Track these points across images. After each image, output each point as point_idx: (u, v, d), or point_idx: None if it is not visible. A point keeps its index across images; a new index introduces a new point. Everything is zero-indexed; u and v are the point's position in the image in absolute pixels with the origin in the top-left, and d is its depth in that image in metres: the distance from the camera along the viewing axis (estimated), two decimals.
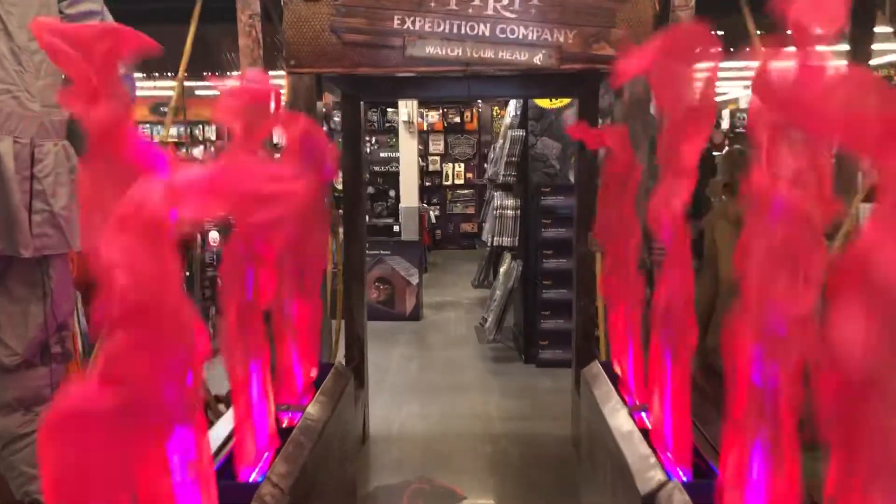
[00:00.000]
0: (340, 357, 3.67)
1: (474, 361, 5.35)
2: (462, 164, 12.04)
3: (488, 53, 2.57)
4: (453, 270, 9.75)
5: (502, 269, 5.74)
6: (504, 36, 2.54)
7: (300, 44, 2.54)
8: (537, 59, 2.59)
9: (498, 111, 11.79)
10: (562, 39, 2.58)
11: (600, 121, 3.80)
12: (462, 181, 12.04)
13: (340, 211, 3.54)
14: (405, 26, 2.52)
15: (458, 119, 11.87)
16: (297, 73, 2.60)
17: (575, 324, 3.84)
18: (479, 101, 11.86)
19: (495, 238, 5.32)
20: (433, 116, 11.82)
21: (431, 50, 2.54)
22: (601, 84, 3.45)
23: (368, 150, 11.29)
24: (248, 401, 1.86)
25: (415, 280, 6.69)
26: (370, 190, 10.68)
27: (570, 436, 3.99)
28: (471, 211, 12.01)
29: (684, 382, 1.85)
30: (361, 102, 3.69)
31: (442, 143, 11.98)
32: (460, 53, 2.54)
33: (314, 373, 2.44)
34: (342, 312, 3.38)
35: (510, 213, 5.32)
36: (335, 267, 3.22)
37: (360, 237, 3.69)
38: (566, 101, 5.30)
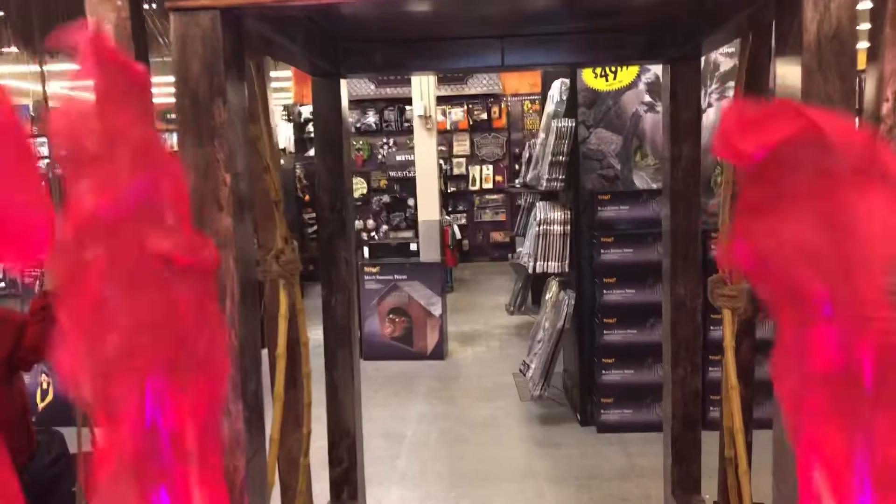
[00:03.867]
0: (319, 462, 2.46)
1: (514, 424, 4.10)
2: (490, 167, 10.78)
3: None
4: (483, 288, 8.50)
5: (548, 298, 4.49)
6: None
7: None
8: None
9: (529, 105, 10.52)
10: None
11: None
12: (491, 185, 10.78)
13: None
14: None
15: (484, 115, 10.61)
16: (183, 8, 1.40)
17: (670, 404, 2.58)
18: (508, 96, 10.61)
19: (538, 263, 4.07)
20: (457, 114, 10.58)
21: None
22: (710, 38, 2.18)
23: (385, 152, 10.10)
24: None
25: (437, 311, 5.46)
26: (386, 199, 9.48)
27: None
28: (502, 218, 10.75)
29: None
30: (342, 81, 2.47)
31: (467, 143, 10.74)
32: None
33: None
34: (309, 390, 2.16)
35: (557, 229, 4.06)
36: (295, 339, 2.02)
37: (344, 285, 2.47)
38: (627, 79, 4.04)
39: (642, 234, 3.86)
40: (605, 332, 3.88)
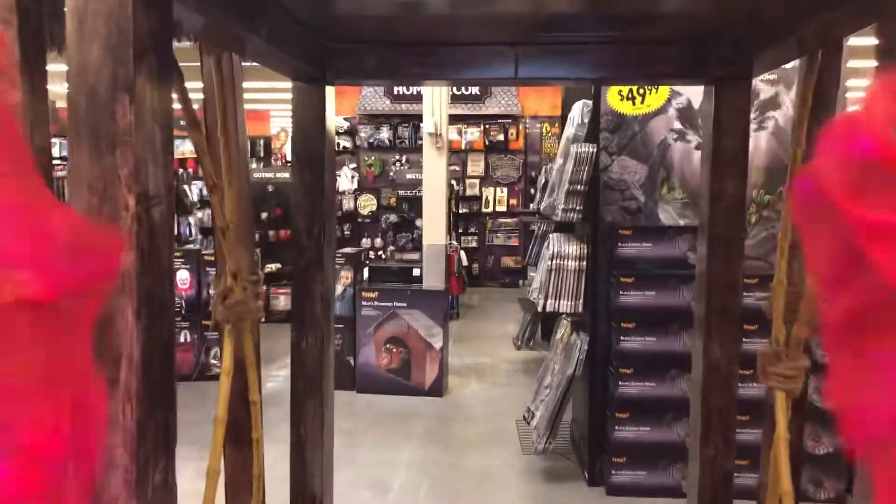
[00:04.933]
0: None
1: (514, 479, 3.70)
2: (505, 189, 10.42)
3: None
4: (491, 316, 8.10)
5: (558, 338, 4.11)
6: None
7: None
8: None
9: (549, 128, 10.17)
10: None
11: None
12: (505, 208, 10.42)
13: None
14: None
15: (501, 136, 10.28)
16: None
17: (696, 486, 2.18)
18: (527, 118, 10.28)
19: (549, 300, 3.69)
20: (473, 133, 10.25)
21: None
22: (764, 55, 1.82)
23: (396, 169, 9.78)
24: None
25: (438, 343, 5.08)
26: (393, 218, 9.14)
27: None
28: (514, 243, 10.37)
29: None
30: (328, 88, 2.13)
31: (482, 163, 10.40)
32: None
33: None
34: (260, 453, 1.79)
35: (572, 264, 3.69)
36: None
37: (318, 324, 2.12)
38: (656, 104, 3.68)
39: (666, 276, 3.47)
40: (620, 382, 3.48)
